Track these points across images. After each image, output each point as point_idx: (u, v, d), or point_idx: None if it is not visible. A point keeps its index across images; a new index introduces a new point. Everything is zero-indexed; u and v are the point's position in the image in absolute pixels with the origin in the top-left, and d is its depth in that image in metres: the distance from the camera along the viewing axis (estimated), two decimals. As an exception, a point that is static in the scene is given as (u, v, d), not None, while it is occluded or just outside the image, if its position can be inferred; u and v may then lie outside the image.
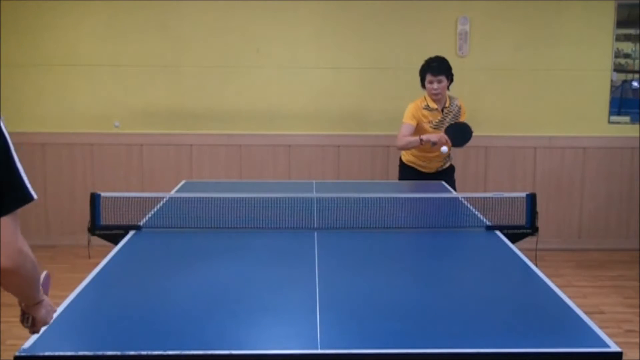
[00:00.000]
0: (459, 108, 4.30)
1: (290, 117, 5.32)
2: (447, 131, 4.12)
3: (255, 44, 5.24)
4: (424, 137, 4.11)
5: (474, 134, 4.18)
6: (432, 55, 4.30)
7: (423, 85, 4.25)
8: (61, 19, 5.21)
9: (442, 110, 4.24)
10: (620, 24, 5.24)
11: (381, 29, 5.20)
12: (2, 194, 1.33)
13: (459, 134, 4.12)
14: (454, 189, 4.20)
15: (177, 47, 5.24)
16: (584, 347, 1.74)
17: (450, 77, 4.25)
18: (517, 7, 5.20)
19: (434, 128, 4.22)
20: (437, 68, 4.18)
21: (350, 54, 5.26)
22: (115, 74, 5.26)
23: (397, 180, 4.49)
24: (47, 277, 1.64)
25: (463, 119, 4.31)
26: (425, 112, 4.23)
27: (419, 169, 4.39)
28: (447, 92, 4.28)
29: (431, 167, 4.38)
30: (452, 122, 4.20)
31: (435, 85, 4.16)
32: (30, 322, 1.57)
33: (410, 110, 4.25)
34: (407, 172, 4.44)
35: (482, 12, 5.21)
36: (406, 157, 4.44)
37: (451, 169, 4.48)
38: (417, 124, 4.20)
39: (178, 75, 5.27)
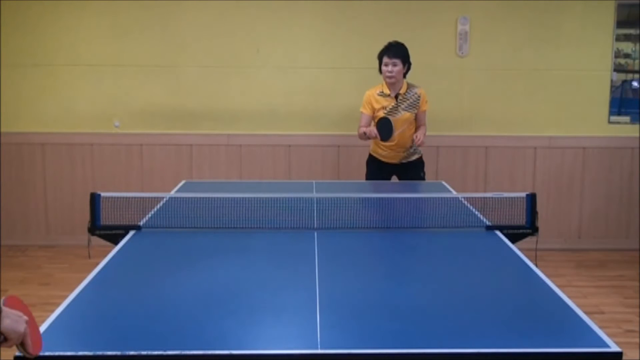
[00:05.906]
0: (418, 96, 4.30)
1: (290, 117, 5.32)
2: (377, 125, 4.19)
3: (255, 44, 5.24)
4: (364, 130, 4.21)
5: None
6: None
7: (380, 70, 4.29)
8: (61, 19, 5.21)
9: (396, 97, 4.25)
10: (620, 24, 5.24)
11: (381, 29, 5.19)
12: None
13: (384, 127, 4.17)
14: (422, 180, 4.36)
15: (177, 47, 5.24)
16: (584, 347, 1.74)
17: (407, 65, 4.26)
18: (517, 7, 5.20)
19: (388, 115, 4.24)
20: (393, 51, 4.22)
21: (350, 54, 5.26)
22: (115, 74, 5.26)
23: (398, 181, 4.49)
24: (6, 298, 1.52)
25: (424, 108, 4.33)
26: (379, 98, 4.28)
27: (381, 159, 4.44)
28: (406, 80, 4.31)
29: (392, 157, 4.40)
30: (384, 115, 4.23)
31: (390, 68, 4.19)
32: (1, 338, 1.45)
33: (364, 98, 4.34)
34: (371, 163, 4.52)
35: (482, 12, 5.21)
36: (372, 146, 4.51)
37: (418, 162, 4.48)
38: (373, 112, 4.28)
39: (178, 75, 5.27)
